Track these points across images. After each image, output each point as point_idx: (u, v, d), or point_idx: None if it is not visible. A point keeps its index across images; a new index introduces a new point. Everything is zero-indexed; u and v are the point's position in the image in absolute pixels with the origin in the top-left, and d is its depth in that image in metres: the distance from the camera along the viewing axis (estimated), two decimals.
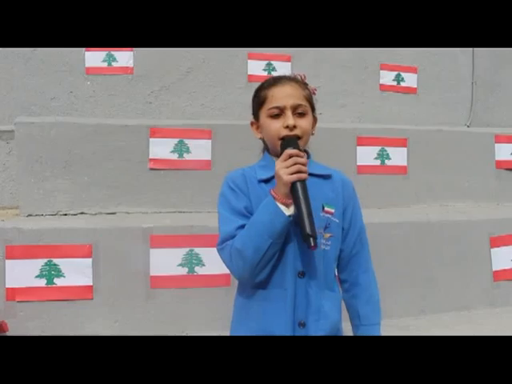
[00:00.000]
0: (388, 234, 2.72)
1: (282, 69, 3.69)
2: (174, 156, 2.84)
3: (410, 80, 4.05)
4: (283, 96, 1.40)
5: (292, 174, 1.26)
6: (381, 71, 3.99)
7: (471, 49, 4.15)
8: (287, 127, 1.37)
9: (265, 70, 3.76)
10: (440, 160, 3.30)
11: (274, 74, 3.69)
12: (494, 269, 2.86)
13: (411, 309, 2.73)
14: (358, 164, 3.12)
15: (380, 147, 3.19)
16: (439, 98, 4.10)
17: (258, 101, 1.46)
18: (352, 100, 3.90)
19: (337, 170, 1.53)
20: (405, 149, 3.24)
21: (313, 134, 1.49)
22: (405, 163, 3.24)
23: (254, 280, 1.34)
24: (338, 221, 1.43)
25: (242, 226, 1.33)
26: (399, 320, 2.65)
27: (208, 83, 3.68)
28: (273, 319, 1.36)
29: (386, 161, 3.20)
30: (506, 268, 2.88)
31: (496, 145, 3.44)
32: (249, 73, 3.73)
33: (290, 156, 1.28)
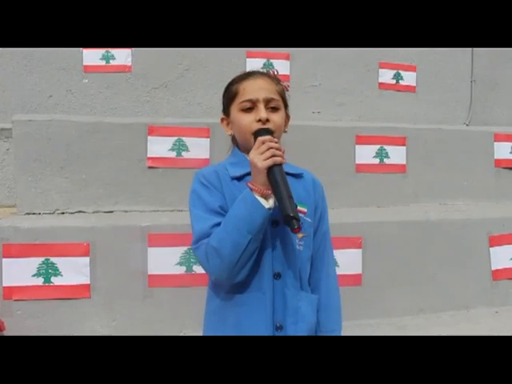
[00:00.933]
0: (387, 232, 2.71)
1: (281, 67, 3.67)
2: (172, 154, 2.83)
3: (409, 79, 4.05)
4: (255, 89, 1.38)
5: (267, 159, 1.23)
6: (380, 70, 3.98)
7: (470, 47, 4.15)
8: (259, 121, 1.34)
9: (263, 68, 3.74)
10: (439, 159, 3.30)
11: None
12: (493, 268, 2.85)
13: (410, 308, 2.72)
14: (357, 162, 3.11)
15: (379, 146, 3.18)
16: (438, 97, 4.10)
17: (229, 95, 1.44)
18: (351, 98, 3.89)
19: (307, 170, 1.50)
20: (404, 147, 3.23)
21: (285, 132, 1.46)
22: (404, 162, 3.23)
23: (233, 280, 1.29)
24: (310, 220, 1.40)
25: (218, 224, 1.28)
26: (398, 319, 2.65)
27: (206, 81, 3.67)
28: (252, 324, 1.31)
29: (385, 159, 3.19)
30: (505, 267, 2.87)
31: (495, 143, 3.44)
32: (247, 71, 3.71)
33: (263, 143, 1.25)
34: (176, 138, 2.84)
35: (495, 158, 3.43)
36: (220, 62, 3.68)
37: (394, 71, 4.01)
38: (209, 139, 2.87)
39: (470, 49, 4.15)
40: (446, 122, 3.96)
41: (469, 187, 3.36)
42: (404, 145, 3.23)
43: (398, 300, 2.70)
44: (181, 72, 3.64)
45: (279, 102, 1.40)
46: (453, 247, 2.81)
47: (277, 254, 1.33)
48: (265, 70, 1.48)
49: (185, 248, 2.45)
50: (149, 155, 2.79)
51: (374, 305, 2.64)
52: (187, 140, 2.85)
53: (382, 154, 3.19)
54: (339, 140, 3.08)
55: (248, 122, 1.36)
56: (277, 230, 1.33)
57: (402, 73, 4.03)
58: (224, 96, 1.47)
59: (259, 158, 1.23)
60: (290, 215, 1.18)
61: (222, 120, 1.50)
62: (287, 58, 3.76)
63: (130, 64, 3.59)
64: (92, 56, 3.56)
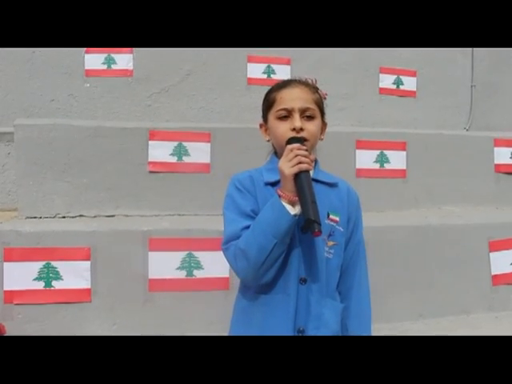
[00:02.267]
0: (387, 237, 2.72)
1: (282, 72, 3.70)
2: (173, 159, 2.84)
3: (409, 84, 4.06)
4: (292, 98, 1.40)
5: (293, 166, 1.26)
6: (380, 75, 4.00)
7: (470, 52, 4.17)
8: (294, 129, 1.36)
9: (264, 72, 3.76)
10: (439, 164, 3.30)
11: (274, 76, 3.71)
12: (493, 273, 2.85)
13: (410, 313, 2.73)
14: (357, 167, 3.12)
15: (379, 151, 3.19)
16: (438, 102, 4.11)
17: (267, 103, 1.47)
18: (351, 103, 3.90)
19: (343, 179, 1.52)
20: (404, 152, 3.24)
21: (322, 139, 1.48)
22: (404, 167, 3.24)
23: (258, 282, 1.33)
24: (342, 229, 1.42)
25: (248, 227, 1.32)
26: (398, 324, 2.65)
27: (207, 86, 3.69)
28: (274, 325, 1.34)
29: (386, 164, 3.20)
30: (505, 272, 2.88)
31: (495, 148, 3.44)
32: (248, 76, 3.74)
33: (291, 151, 1.29)
34: (177, 142, 2.85)
35: (495, 162, 3.44)
36: (221, 67, 3.70)
37: (395, 76, 4.03)
38: (209, 144, 2.88)
39: (470, 54, 4.17)
40: (447, 126, 3.96)
41: (469, 192, 3.36)
42: (404, 150, 3.24)
43: (397, 305, 2.70)
44: (182, 77, 3.66)
45: (315, 111, 1.42)
46: (453, 252, 2.81)
47: (304, 259, 1.36)
48: (303, 79, 1.49)
49: (185, 252, 2.45)
50: (150, 160, 2.80)
51: (374, 310, 2.61)
52: (188, 145, 2.86)
53: (382, 159, 3.19)
54: (339, 145, 3.09)
55: (283, 130, 1.39)
56: (305, 237, 1.35)
57: (403, 78, 4.05)
58: (263, 103, 1.50)
59: (286, 165, 1.27)
60: (311, 219, 1.21)
61: (261, 126, 1.52)
62: (288, 62, 3.78)
63: (131, 68, 3.60)
64: (94, 60, 3.57)
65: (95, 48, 3.52)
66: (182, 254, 2.46)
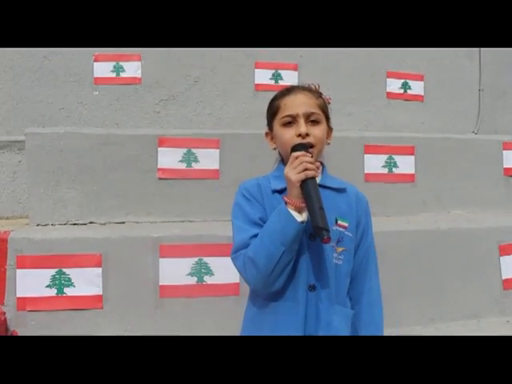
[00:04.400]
0: (396, 242, 2.71)
1: (289, 77, 3.71)
2: (183, 165, 2.85)
3: (416, 88, 4.06)
4: (296, 104, 1.40)
5: (299, 173, 1.27)
6: (387, 79, 4.00)
7: (478, 56, 4.16)
8: (299, 135, 1.37)
9: (272, 78, 3.78)
10: (448, 168, 3.30)
11: (281, 82, 3.72)
12: (504, 277, 2.84)
13: (420, 317, 2.72)
14: (366, 172, 3.12)
15: (387, 155, 3.19)
16: (446, 106, 4.10)
17: (272, 111, 1.47)
18: (359, 108, 3.91)
19: (352, 184, 1.52)
20: (412, 157, 3.24)
21: (328, 144, 1.49)
22: (412, 171, 3.23)
23: (269, 290, 1.33)
24: (351, 235, 1.42)
25: (256, 235, 1.33)
26: (408, 329, 2.64)
27: (215, 92, 3.71)
28: (284, 332, 1.34)
29: (394, 169, 3.20)
30: None
31: (504, 152, 3.43)
32: (256, 82, 3.76)
33: (297, 158, 1.29)
34: (186, 149, 2.86)
35: (504, 166, 3.42)
36: (229, 73, 3.72)
37: (402, 80, 4.03)
38: (218, 150, 2.90)
39: (477, 57, 4.17)
40: (455, 130, 3.95)
41: (478, 196, 3.35)
42: (412, 154, 3.24)
43: (408, 310, 2.70)
44: (190, 83, 3.68)
45: (320, 116, 1.42)
46: (463, 256, 2.80)
47: (312, 266, 1.36)
48: (306, 85, 1.50)
49: (196, 259, 2.47)
50: (159, 166, 2.82)
51: (384, 315, 2.63)
52: (197, 151, 2.87)
53: (390, 164, 3.19)
54: (348, 150, 3.10)
55: (289, 136, 1.39)
56: (314, 244, 1.36)
57: (410, 82, 4.05)
58: (267, 111, 1.51)
59: (292, 172, 1.28)
60: (319, 226, 1.21)
61: (267, 134, 1.53)
62: (295, 68, 3.79)
63: (139, 76, 3.63)
64: (102, 68, 3.61)
65: (104, 56, 3.56)
66: (192, 260, 2.47)
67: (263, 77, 3.77)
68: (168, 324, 2.45)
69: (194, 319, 2.47)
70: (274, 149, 1.51)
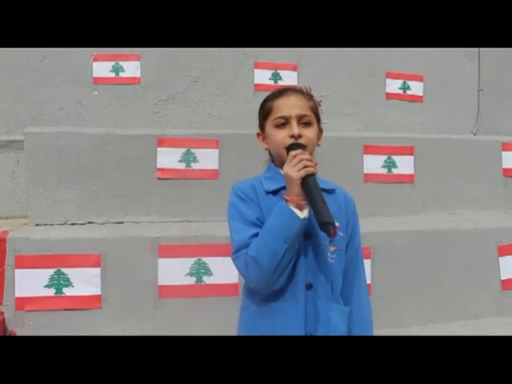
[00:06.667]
0: (395, 242, 2.71)
1: (289, 78, 3.71)
2: (182, 165, 2.85)
3: (416, 88, 4.06)
4: (288, 106, 1.43)
5: (300, 170, 1.29)
6: (387, 79, 4.00)
7: (477, 56, 4.16)
8: (292, 136, 1.39)
9: (271, 79, 3.78)
10: (447, 168, 3.30)
11: (281, 82, 3.72)
12: (503, 277, 2.84)
13: (419, 318, 2.72)
14: (365, 172, 3.12)
15: (387, 155, 3.19)
16: (445, 106, 4.10)
17: (264, 112, 1.49)
18: (358, 108, 3.91)
19: (339, 185, 1.55)
20: (411, 157, 3.24)
21: (319, 145, 1.51)
22: (412, 171, 3.24)
23: (271, 288, 1.34)
24: (342, 234, 1.44)
25: (256, 235, 1.33)
26: (407, 329, 2.64)
27: (215, 92, 3.71)
28: (285, 332, 1.35)
29: (393, 169, 3.20)
30: None
31: (503, 152, 3.44)
32: (255, 82, 3.75)
33: (295, 156, 1.31)
34: (185, 149, 2.86)
35: (503, 167, 3.43)
36: (228, 73, 3.72)
37: (401, 81, 4.03)
38: (218, 150, 2.90)
39: (476, 58, 4.17)
40: (454, 131, 3.94)
41: (477, 196, 3.35)
42: (412, 154, 3.24)
43: (407, 310, 2.70)
44: (189, 83, 3.68)
45: (311, 118, 1.44)
46: (462, 257, 2.80)
47: (309, 265, 1.38)
48: (298, 87, 1.52)
49: (195, 259, 2.46)
50: (158, 166, 2.82)
51: (384, 315, 2.63)
52: (196, 151, 2.87)
53: (389, 164, 3.19)
54: (347, 150, 3.10)
55: (282, 137, 1.41)
56: (309, 243, 1.38)
57: (409, 82, 4.05)
58: (259, 113, 1.53)
59: (293, 170, 1.29)
60: (325, 221, 1.23)
61: (258, 135, 1.55)
62: (295, 68, 3.79)
63: (139, 76, 3.63)
64: (102, 68, 3.60)
65: (103, 55, 3.56)
66: (191, 260, 2.46)
67: (262, 77, 3.77)
68: (167, 324, 2.45)
69: (192, 319, 2.47)
70: (266, 149, 1.53)
